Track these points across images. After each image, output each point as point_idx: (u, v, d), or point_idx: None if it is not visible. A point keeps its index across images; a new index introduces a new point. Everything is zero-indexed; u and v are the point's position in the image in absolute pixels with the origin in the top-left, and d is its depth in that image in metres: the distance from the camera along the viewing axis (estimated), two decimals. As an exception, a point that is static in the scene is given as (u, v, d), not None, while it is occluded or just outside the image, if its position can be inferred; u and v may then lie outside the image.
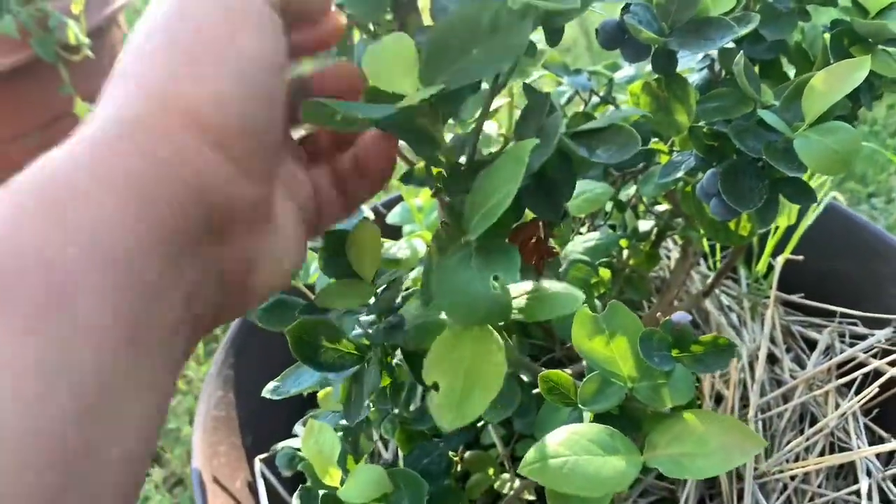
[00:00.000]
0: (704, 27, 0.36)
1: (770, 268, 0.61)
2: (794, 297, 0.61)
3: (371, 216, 0.40)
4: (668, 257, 0.66)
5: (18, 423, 0.15)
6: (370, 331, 0.34)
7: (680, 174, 0.44)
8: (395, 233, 0.58)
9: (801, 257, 0.58)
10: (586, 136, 0.32)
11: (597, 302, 0.49)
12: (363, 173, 0.30)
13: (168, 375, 0.20)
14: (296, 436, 0.51)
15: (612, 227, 0.57)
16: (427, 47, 0.28)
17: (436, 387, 0.27)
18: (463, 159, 0.32)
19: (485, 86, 0.37)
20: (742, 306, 0.60)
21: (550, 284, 0.35)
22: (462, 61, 0.27)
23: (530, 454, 0.29)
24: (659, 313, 0.46)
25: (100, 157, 0.19)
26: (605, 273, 0.50)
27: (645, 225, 0.57)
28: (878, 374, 0.52)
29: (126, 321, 0.18)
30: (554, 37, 0.31)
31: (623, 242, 0.57)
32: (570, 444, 0.29)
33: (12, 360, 0.15)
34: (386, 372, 0.36)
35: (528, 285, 0.35)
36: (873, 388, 0.50)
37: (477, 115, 0.33)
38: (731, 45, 0.43)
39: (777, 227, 0.61)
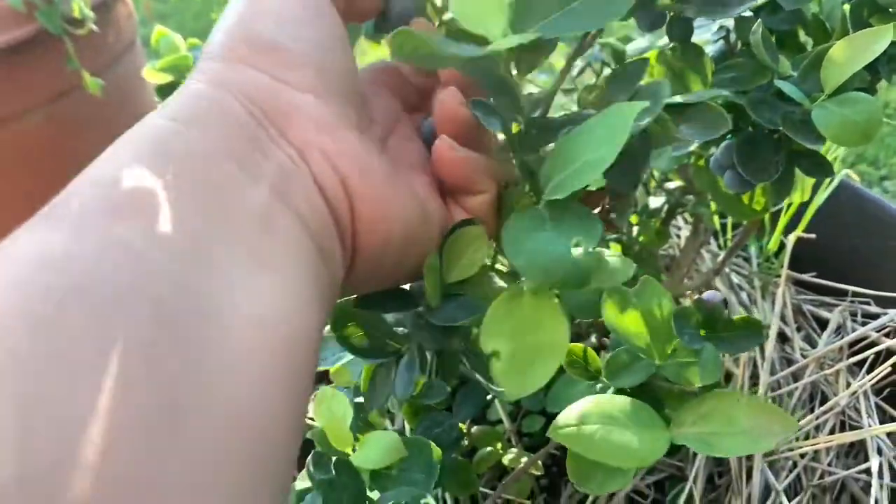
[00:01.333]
0: (721, -8, 0.35)
1: (781, 246, 0.60)
2: (806, 276, 0.61)
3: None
4: (679, 235, 0.65)
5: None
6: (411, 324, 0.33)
7: (694, 146, 0.43)
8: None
9: (813, 235, 0.57)
10: (671, 111, 0.31)
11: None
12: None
13: (276, 276, 0.21)
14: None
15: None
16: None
17: (496, 354, 0.26)
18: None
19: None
20: (753, 285, 0.60)
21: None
22: (561, 12, 0.26)
23: (560, 419, 0.29)
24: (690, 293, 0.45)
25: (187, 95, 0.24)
26: (615, 248, 0.50)
27: (656, 201, 0.56)
28: (890, 353, 0.52)
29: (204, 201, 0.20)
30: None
31: (633, 219, 0.56)
32: (600, 413, 0.29)
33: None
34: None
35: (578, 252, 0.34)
36: (885, 368, 0.50)
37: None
38: (748, 13, 0.41)
39: (789, 205, 0.60)
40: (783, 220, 0.61)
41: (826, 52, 0.36)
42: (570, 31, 0.25)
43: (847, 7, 0.40)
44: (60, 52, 1.01)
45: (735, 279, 0.60)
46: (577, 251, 0.23)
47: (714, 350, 0.33)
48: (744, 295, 0.60)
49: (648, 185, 0.54)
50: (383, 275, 0.29)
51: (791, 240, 0.57)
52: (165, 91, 0.55)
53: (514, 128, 0.29)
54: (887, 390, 0.53)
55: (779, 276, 0.59)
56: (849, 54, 0.35)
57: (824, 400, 0.52)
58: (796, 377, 0.53)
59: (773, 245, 0.61)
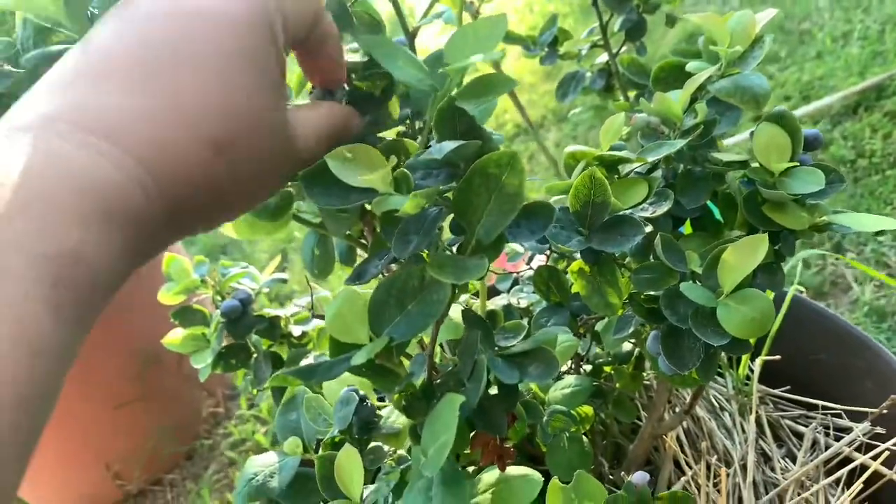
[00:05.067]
0: (619, 225, 0.41)
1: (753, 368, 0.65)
2: (779, 391, 0.65)
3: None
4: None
5: None
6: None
7: (631, 329, 0.49)
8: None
9: (777, 356, 0.62)
10: (518, 357, 0.37)
11: (585, 438, 0.53)
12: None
13: None
14: None
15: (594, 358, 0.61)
16: (371, 305, 0.34)
17: None
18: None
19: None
20: (733, 406, 0.64)
21: (513, 472, 0.41)
22: (401, 315, 0.34)
23: None
24: (624, 473, 0.50)
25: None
26: (586, 410, 0.55)
27: (628, 346, 0.62)
28: (864, 468, 0.56)
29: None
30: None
31: (607, 368, 0.62)
32: None
33: None
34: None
35: (493, 477, 0.40)
36: (858, 485, 0.53)
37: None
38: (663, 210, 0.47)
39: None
40: (747, 348, 0.65)
41: (722, 253, 0.42)
42: (413, 333, 0.32)
43: (742, 195, 0.46)
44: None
45: (716, 402, 0.65)
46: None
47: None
48: (726, 416, 0.64)
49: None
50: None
51: (757, 366, 0.61)
52: (181, 315, 0.63)
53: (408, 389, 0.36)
54: (866, 503, 0.56)
55: (756, 394, 0.63)
56: (739, 259, 0.41)
57: (808, 520, 0.56)
58: (781, 498, 0.57)
59: (742, 371, 0.65)
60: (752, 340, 0.60)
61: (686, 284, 0.42)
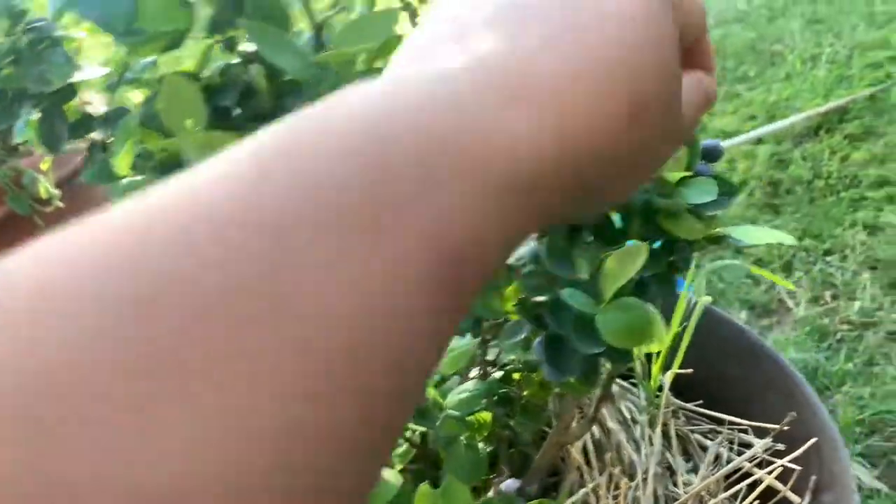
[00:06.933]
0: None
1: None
2: (692, 406, 0.65)
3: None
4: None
5: None
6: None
7: (524, 335, 0.48)
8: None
9: (690, 370, 0.62)
10: None
11: (481, 444, 0.53)
12: None
13: None
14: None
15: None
16: None
17: None
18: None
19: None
20: (644, 418, 0.64)
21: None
22: None
23: None
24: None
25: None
26: (484, 416, 0.54)
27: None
28: (761, 482, 0.56)
29: None
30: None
31: (516, 375, 0.61)
32: None
33: None
34: None
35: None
36: (752, 499, 0.53)
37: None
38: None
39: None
40: (658, 362, 0.65)
41: (605, 260, 0.42)
42: None
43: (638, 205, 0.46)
44: (34, 226, 1.10)
45: (628, 414, 0.64)
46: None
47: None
48: (637, 429, 0.64)
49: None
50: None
51: (668, 379, 0.61)
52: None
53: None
54: (763, 519, 0.56)
55: (667, 407, 0.63)
56: (619, 268, 0.41)
57: (706, 534, 0.56)
58: (680, 512, 0.57)
59: (654, 383, 0.65)
60: (642, 349, 0.60)
61: (568, 291, 0.41)
